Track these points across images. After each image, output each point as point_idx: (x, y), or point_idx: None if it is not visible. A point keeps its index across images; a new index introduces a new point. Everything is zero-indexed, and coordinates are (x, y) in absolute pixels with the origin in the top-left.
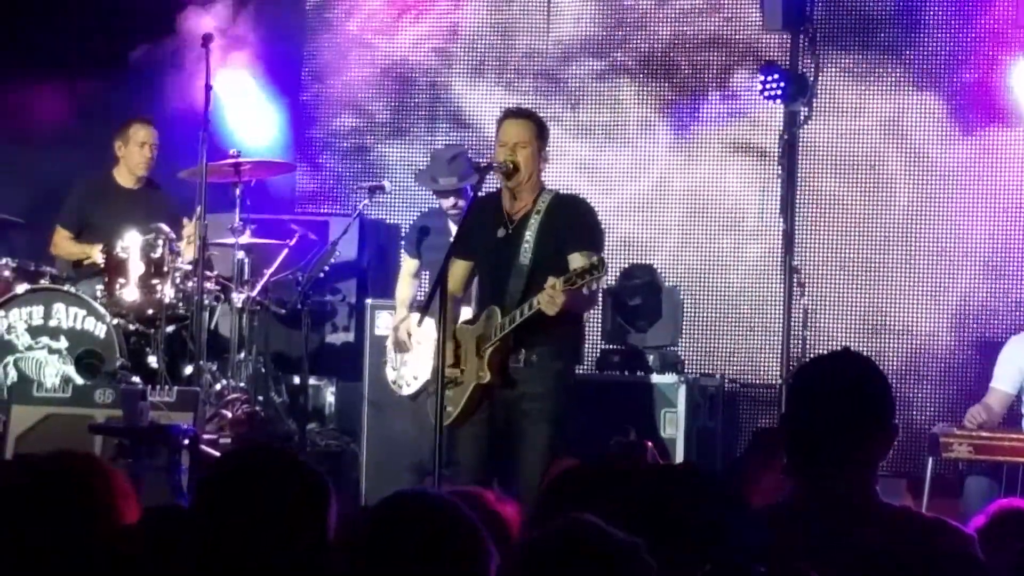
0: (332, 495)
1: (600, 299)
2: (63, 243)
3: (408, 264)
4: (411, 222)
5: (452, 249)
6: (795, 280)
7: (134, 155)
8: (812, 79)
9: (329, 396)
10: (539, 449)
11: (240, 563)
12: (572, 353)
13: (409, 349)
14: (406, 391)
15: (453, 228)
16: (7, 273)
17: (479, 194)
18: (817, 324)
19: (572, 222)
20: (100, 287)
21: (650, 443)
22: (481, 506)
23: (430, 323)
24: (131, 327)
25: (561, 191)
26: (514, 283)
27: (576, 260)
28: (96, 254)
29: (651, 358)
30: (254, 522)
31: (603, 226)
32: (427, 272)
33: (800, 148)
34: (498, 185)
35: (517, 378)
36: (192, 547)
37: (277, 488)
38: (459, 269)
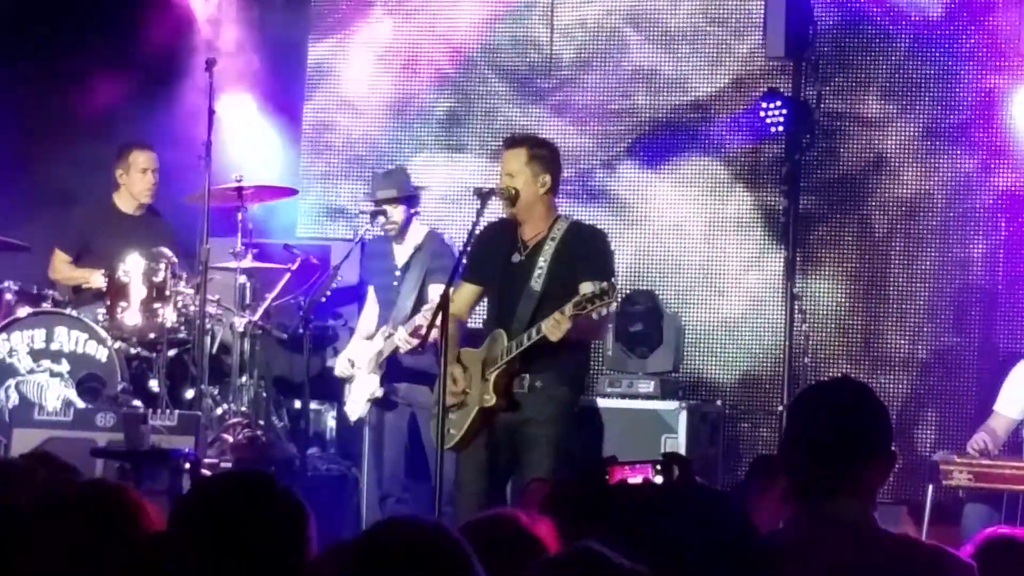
0: (310, 520)
1: (610, 328)
2: (61, 267)
3: (370, 292)
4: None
5: (463, 272)
6: (796, 307)
7: (137, 182)
8: (814, 106)
9: (330, 420)
10: (541, 475)
11: None
12: (576, 381)
13: (353, 377)
14: (352, 417)
15: (395, 249)
16: (9, 296)
17: (484, 219)
18: (818, 351)
19: (586, 251)
20: (102, 311)
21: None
22: (514, 527)
23: (365, 347)
24: (133, 351)
25: (576, 219)
26: (523, 308)
27: (586, 288)
28: (95, 279)
29: (652, 384)
30: (230, 548)
31: (614, 250)
32: (381, 295)
33: (802, 175)
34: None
35: (521, 403)
36: (172, 570)
37: (253, 514)
38: (467, 293)
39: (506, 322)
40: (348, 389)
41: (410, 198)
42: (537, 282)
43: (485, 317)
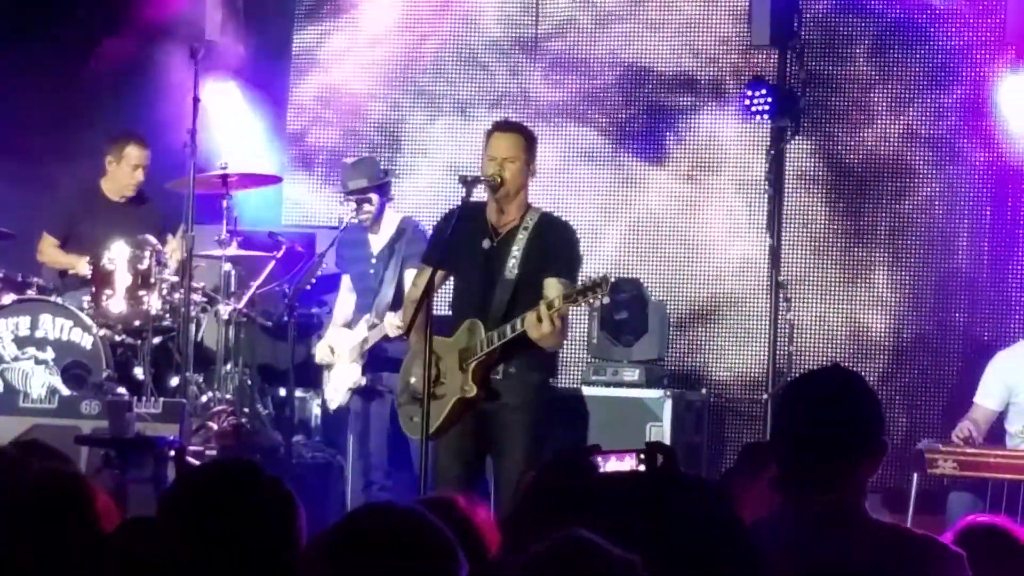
0: (299, 511)
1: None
2: (49, 250)
3: (344, 280)
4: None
5: (426, 257)
6: (781, 295)
7: (125, 176)
8: (799, 95)
9: (315, 408)
10: (518, 461)
11: (210, 574)
12: (548, 366)
13: (333, 364)
14: (332, 405)
15: (370, 238)
16: None
17: (461, 205)
18: (803, 339)
19: (557, 247)
20: (87, 298)
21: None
22: (452, 513)
23: (346, 336)
24: (117, 338)
25: (546, 211)
26: (499, 297)
27: (551, 286)
28: (81, 266)
29: (637, 372)
30: (217, 537)
31: (582, 251)
32: (358, 284)
33: (787, 164)
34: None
35: (496, 390)
36: (160, 561)
37: (240, 503)
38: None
39: (481, 311)
40: (327, 376)
41: (381, 186)
42: (512, 271)
43: (452, 303)
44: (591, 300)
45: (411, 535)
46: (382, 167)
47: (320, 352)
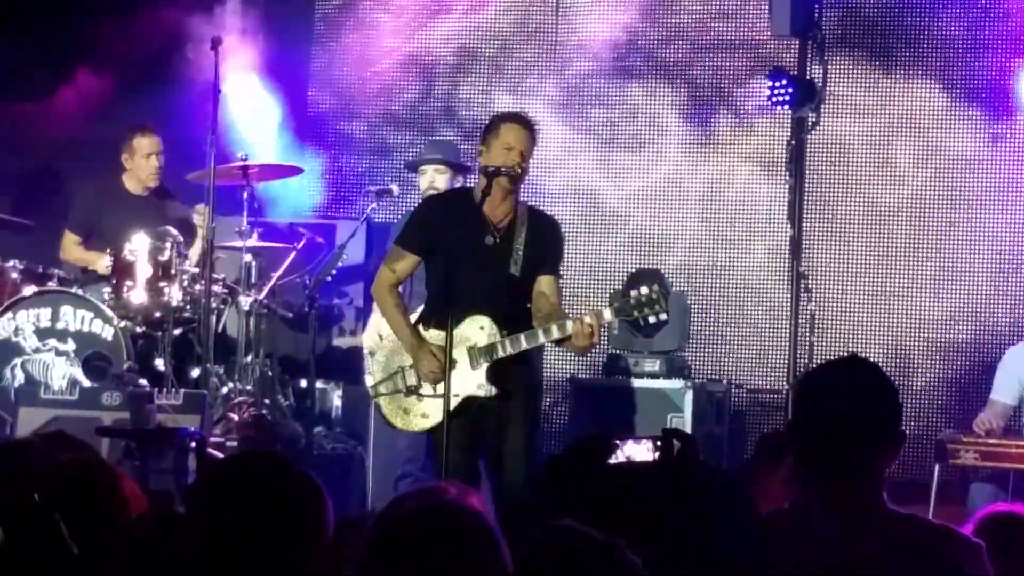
0: (327, 499)
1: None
2: (71, 248)
3: None
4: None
5: (407, 242)
6: (802, 286)
7: (142, 167)
8: (820, 85)
9: (336, 399)
10: (521, 448)
11: (236, 568)
12: (537, 355)
13: (377, 351)
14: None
15: None
16: (15, 275)
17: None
18: (824, 330)
19: (552, 244)
20: (107, 290)
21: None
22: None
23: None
24: (138, 330)
25: (532, 205)
26: (504, 294)
27: (546, 283)
28: (101, 265)
29: (658, 363)
30: (248, 527)
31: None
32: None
33: (808, 154)
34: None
35: (499, 381)
36: (187, 553)
37: (271, 493)
38: (411, 264)
39: (483, 306)
40: (371, 363)
41: (456, 165)
42: (515, 268)
43: (440, 294)
44: (649, 314)
45: (447, 526)
46: (462, 155)
47: (368, 339)
